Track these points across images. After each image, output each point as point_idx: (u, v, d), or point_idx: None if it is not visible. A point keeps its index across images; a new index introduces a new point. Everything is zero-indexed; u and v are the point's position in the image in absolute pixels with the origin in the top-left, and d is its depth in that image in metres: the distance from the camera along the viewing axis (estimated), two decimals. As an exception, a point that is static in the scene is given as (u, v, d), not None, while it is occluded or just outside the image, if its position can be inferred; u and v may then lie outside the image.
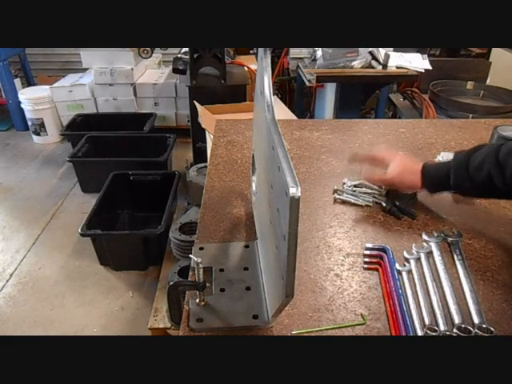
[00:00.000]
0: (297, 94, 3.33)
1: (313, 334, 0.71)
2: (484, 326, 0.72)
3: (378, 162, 1.04)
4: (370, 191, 1.08)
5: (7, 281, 2.37)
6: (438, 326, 0.72)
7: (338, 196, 1.07)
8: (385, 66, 2.44)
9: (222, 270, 0.83)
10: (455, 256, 0.88)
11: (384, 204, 1.03)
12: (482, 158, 0.87)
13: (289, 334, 0.71)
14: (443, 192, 0.97)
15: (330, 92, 2.79)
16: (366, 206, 1.05)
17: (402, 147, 1.35)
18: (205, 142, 2.44)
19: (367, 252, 0.89)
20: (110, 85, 3.71)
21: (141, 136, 3.36)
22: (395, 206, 1.01)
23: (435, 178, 0.95)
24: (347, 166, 1.22)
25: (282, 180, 0.53)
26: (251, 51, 3.45)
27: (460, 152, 0.94)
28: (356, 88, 2.61)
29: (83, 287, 2.33)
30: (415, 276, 0.83)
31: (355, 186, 1.10)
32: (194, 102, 2.36)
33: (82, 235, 2.26)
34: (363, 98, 2.81)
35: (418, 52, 2.59)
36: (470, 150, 0.91)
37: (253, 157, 0.99)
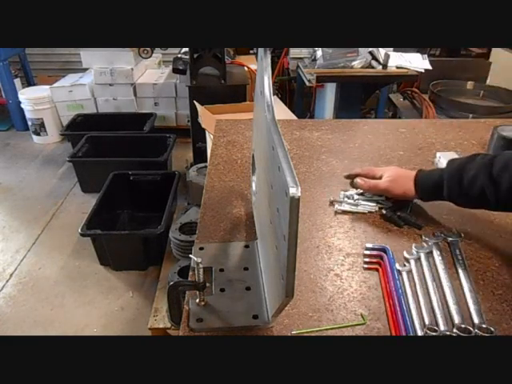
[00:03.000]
0: (297, 94, 3.33)
1: (313, 334, 0.71)
2: (484, 325, 0.72)
3: (371, 177, 1.06)
4: (373, 198, 1.06)
5: (7, 281, 2.37)
6: (438, 325, 0.72)
7: (338, 207, 1.04)
8: (385, 66, 2.44)
9: (222, 270, 0.83)
10: (455, 256, 0.88)
11: (384, 212, 1.01)
12: (474, 172, 0.85)
13: (289, 334, 0.71)
14: (437, 200, 0.96)
15: (330, 92, 2.79)
16: (369, 212, 1.03)
17: (401, 147, 1.35)
18: (205, 142, 2.44)
19: (367, 252, 0.89)
20: (110, 85, 3.72)
21: (141, 136, 3.36)
22: (396, 215, 0.99)
23: (428, 187, 0.95)
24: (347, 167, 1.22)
25: (282, 180, 0.53)
26: (251, 51, 3.45)
27: (453, 161, 0.92)
28: (356, 88, 2.61)
29: (83, 287, 2.33)
30: (415, 276, 0.83)
31: (358, 195, 1.07)
32: (194, 102, 2.36)
33: (82, 235, 2.27)
34: (363, 97, 2.81)
35: (418, 52, 2.59)
36: (463, 162, 0.89)
37: (253, 157, 0.99)
